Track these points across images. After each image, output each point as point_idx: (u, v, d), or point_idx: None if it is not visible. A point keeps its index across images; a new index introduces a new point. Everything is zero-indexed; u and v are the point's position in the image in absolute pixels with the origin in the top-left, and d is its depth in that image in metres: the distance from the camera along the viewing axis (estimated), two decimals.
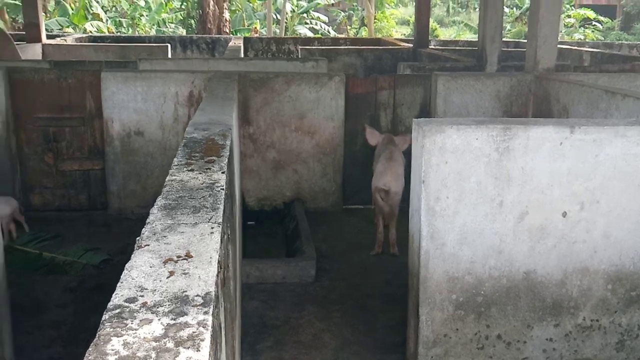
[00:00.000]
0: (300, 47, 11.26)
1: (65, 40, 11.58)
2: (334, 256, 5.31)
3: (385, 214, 5.27)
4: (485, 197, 3.33)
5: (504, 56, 8.45)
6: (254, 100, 6.15)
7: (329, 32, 25.28)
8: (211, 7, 18.05)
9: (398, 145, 5.51)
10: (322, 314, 4.32)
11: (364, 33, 26.65)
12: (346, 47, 11.65)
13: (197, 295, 1.32)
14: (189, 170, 2.32)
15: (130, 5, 23.34)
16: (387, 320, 4.20)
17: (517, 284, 3.46)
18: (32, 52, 9.73)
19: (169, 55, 10.47)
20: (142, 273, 1.43)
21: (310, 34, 23.70)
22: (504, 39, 14.26)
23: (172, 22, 24.84)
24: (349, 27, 29.92)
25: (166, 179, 2.23)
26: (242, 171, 6.15)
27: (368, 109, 6.49)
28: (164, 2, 23.26)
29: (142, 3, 23.46)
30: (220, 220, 1.77)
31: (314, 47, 11.25)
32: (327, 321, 4.23)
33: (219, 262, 1.54)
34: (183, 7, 23.91)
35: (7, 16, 19.94)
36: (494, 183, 3.32)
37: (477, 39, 9.66)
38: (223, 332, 1.61)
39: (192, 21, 22.22)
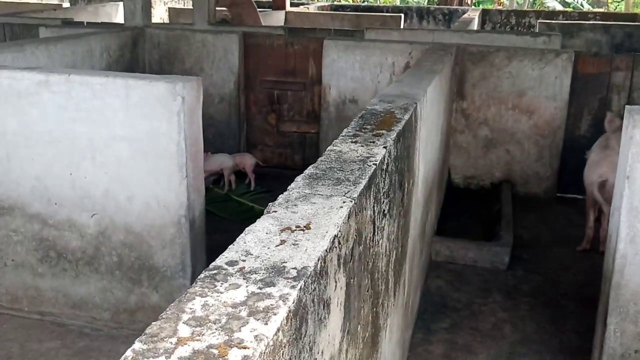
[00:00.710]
0: (540, 21, 10.56)
1: (308, 8, 12.19)
2: (535, 246, 4.98)
3: (599, 208, 4.80)
4: None
5: None
6: (470, 74, 5.93)
7: (582, 6, 23.30)
8: None
9: None
10: (508, 305, 4.10)
11: (624, 8, 24.12)
12: (592, 22, 10.66)
13: (294, 268, 1.31)
14: (352, 142, 2.31)
15: None
16: (578, 324, 3.85)
17: None
18: (275, 19, 10.40)
19: (402, 26, 10.51)
20: (255, 238, 1.46)
21: (560, 8, 22.07)
22: None
23: None
24: (609, 1, 27.25)
25: (327, 148, 2.25)
26: (451, 147, 6.01)
27: (598, 91, 5.90)
28: None
29: None
30: (356, 195, 1.73)
31: (555, 22, 10.47)
32: (511, 312, 4.00)
33: (336, 237, 1.52)
34: None
35: None
36: None
37: None
38: (338, 309, 1.59)
39: None
